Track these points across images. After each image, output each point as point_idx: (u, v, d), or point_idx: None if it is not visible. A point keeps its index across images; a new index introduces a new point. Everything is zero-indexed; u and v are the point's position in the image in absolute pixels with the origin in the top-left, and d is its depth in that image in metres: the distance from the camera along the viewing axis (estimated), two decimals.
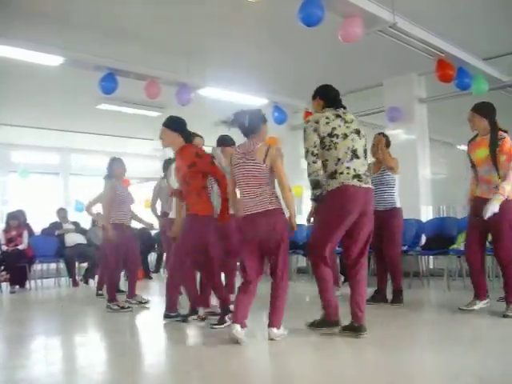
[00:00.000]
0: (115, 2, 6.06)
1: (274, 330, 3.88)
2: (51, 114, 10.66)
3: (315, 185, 3.98)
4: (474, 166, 4.90)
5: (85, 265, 9.42)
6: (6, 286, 8.92)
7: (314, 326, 4.21)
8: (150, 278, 10.22)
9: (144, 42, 7.18)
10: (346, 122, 4.09)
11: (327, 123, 4.02)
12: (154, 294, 7.86)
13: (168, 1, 6.08)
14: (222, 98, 8.68)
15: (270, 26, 6.83)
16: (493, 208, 4.43)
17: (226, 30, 6.89)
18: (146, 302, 6.33)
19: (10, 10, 5.99)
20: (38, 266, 9.43)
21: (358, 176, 3.96)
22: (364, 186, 3.99)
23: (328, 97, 4.36)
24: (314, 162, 3.97)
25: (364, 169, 4.06)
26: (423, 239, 7.53)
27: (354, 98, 9.94)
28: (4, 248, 8.95)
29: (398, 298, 5.62)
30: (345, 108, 4.28)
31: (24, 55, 6.48)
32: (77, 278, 9.32)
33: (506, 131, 4.74)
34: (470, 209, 5.01)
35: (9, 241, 8.99)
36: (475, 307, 4.81)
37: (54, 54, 6.60)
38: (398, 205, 5.73)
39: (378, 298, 5.75)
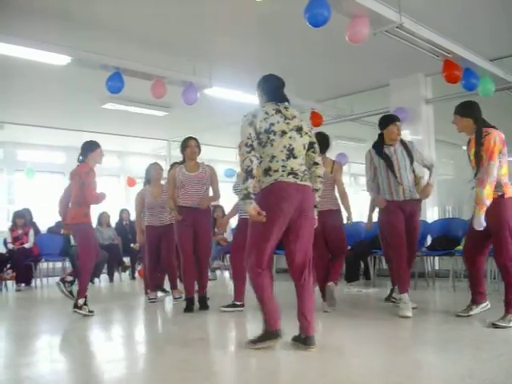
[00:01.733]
0: (122, 1, 6.07)
1: None
2: (57, 113, 10.70)
3: (248, 175, 3.63)
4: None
5: None
6: (12, 283, 8.97)
7: (256, 341, 3.82)
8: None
9: (151, 41, 7.19)
10: (286, 118, 3.86)
11: (265, 119, 3.78)
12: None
13: (175, 0, 6.09)
14: (229, 97, 8.67)
15: (276, 27, 6.82)
16: (479, 221, 4.24)
17: (233, 30, 6.89)
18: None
19: (16, 8, 6.01)
20: (43, 265, 9.47)
21: (293, 173, 3.72)
22: (300, 182, 3.74)
23: (268, 89, 4.13)
24: (249, 152, 3.67)
25: (302, 168, 3.82)
26: (429, 240, 7.52)
27: (360, 99, 9.99)
28: (10, 246, 9.00)
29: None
30: (288, 102, 4.08)
31: (31, 54, 6.49)
32: None
33: (493, 127, 4.45)
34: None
35: (15, 239, 9.04)
36: (471, 312, 4.68)
37: (62, 53, 6.60)
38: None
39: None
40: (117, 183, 14.92)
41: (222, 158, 14.86)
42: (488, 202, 4.21)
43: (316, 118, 9.69)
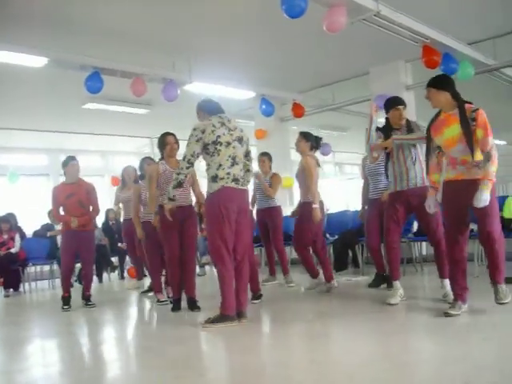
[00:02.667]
0: (97, 0, 6.01)
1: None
2: (38, 116, 10.61)
3: (178, 185, 4.57)
4: (430, 150, 4.31)
5: (78, 265, 9.39)
6: (0, 289, 8.90)
7: (209, 322, 4.44)
8: (145, 275, 10.18)
9: (129, 39, 7.13)
10: (229, 129, 4.50)
11: (213, 131, 4.41)
12: None
13: None
14: (209, 92, 8.64)
15: (254, 19, 6.81)
16: (485, 198, 3.86)
17: (211, 25, 6.87)
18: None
19: None
20: (31, 269, 9.41)
21: (236, 180, 4.47)
22: (240, 187, 4.53)
23: (210, 106, 4.71)
24: (187, 168, 4.48)
25: (241, 174, 4.56)
26: (415, 226, 7.55)
27: (341, 88, 10.00)
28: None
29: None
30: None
31: (6, 57, 6.42)
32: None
33: (471, 103, 4.11)
34: (445, 196, 4.25)
35: (1, 245, 8.95)
36: (459, 312, 4.13)
37: (38, 54, 6.55)
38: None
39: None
40: (101, 183, 14.84)
41: None
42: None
43: (298, 109, 9.71)
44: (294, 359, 3.48)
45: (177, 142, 5.78)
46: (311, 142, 5.97)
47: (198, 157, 4.49)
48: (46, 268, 9.91)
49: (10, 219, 9.35)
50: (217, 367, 3.48)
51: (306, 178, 5.81)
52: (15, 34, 6.38)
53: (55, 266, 9.53)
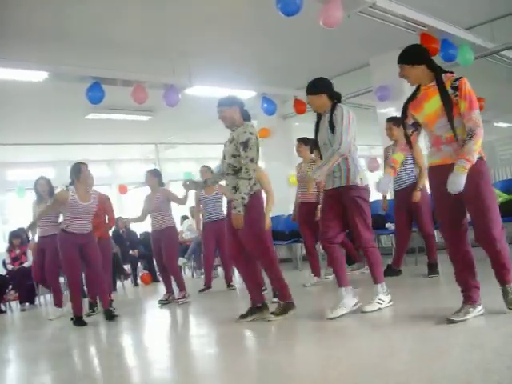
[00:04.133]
0: (92, 11, 6.03)
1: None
2: (42, 129, 10.68)
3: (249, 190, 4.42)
4: (406, 128, 3.83)
5: None
6: (16, 304, 8.95)
7: (280, 314, 4.55)
8: (158, 281, 10.24)
9: (127, 47, 7.15)
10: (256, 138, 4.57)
11: (257, 138, 4.53)
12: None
13: (146, 3, 6.06)
14: (210, 95, 8.66)
15: (250, 18, 6.82)
16: (460, 180, 3.30)
17: (208, 27, 6.87)
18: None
19: None
20: None
21: None
22: None
23: (244, 110, 4.69)
24: (254, 171, 4.44)
25: None
26: None
27: (342, 81, 9.97)
28: (10, 267, 8.97)
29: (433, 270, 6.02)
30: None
31: (7, 74, 6.48)
32: (84, 288, 9.31)
33: (452, 72, 3.61)
34: (431, 184, 3.80)
35: (14, 259, 9.02)
36: (468, 316, 3.54)
37: (38, 69, 6.60)
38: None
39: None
40: (109, 192, 14.91)
41: (212, 155, 14.85)
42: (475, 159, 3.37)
43: (300, 106, 9.70)
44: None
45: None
46: (310, 145, 6.19)
47: None
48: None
49: (21, 234, 9.40)
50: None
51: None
52: (13, 50, 6.43)
53: None
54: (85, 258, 5.95)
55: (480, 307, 3.62)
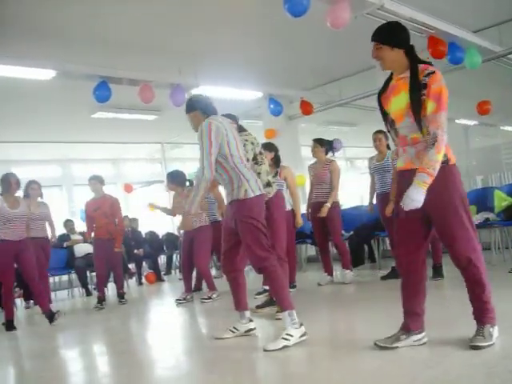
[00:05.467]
0: (100, 10, 6.04)
1: None
2: (48, 128, 10.71)
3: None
4: (387, 125, 3.31)
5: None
6: (20, 301, 8.97)
7: (260, 307, 5.10)
8: (163, 280, 10.27)
9: (133, 46, 7.17)
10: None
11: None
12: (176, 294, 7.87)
13: (153, 3, 6.07)
14: (216, 95, 8.68)
15: (258, 19, 6.82)
16: (418, 197, 2.87)
17: (214, 27, 6.88)
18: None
19: None
20: (50, 279, 9.46)
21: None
22: None
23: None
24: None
25: None
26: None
27: (348, 83, 9.98)
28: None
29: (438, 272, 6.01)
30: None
31: (15, 72, 6.50)
32: (89, 287, 9.36)
33: (430, 63, 3.10)
34: (397, 190, 3.28)
35: None
36: (399, 344, 3.16)
37: (46, 67, 6.62)
38: None
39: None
40: (114, 191, 14.94)
41: None
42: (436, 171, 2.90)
43: (306, 107, 9.70)
44: None
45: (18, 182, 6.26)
46: (325, 146, 6.63)
47: None
48: (64, 278, 9.99)
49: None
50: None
51: (334, 179, 6.50)
52: (21, 47, 6.46)
53: (73, 276, 9.60)
54: (19, 265, 6.32)
55: (421, 335, 3.20)
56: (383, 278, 6.35)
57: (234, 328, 4.10)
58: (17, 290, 9.03)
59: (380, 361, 3.01)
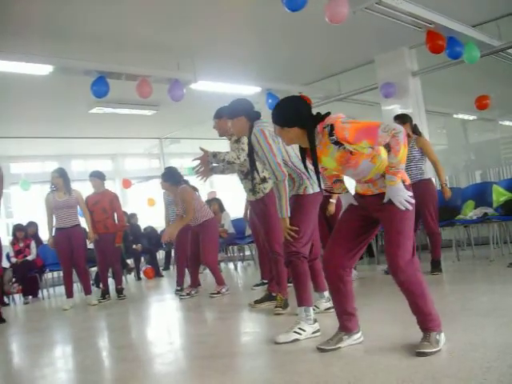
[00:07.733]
0: (98, 4, 6.01)
1: None
2: (46, 123, 10.68)
3: None
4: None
5: (95, 269, 9.45)
6: (19, 297, 8.98)
7: (258, 302, 5.19)
8: (161, 275, 10.28)
9: (131, 41, 7.14)
10: None
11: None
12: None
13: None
14: (215, 90, 8.67)
15: (256, 14, 6.79)
16: (398, 191, 2.94)
17: (213, 23, 6.85)
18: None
19: None
20: (49, 275, 9.48)
21: None
22: None
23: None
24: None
25: None
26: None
27: (347, 78, 9.96)
28: (13, 260, 9.00)
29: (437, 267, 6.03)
30: None
31: (12, 67, 6.48)
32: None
33: (323, 117, 3.10)
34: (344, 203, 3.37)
35: (17, 252, 9.04)
36: (341, 344, 3.25)
37: (43, 63, 6.59)
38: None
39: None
40: (113, 186, 14.92)
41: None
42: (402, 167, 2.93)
43: None
44: None
45: None
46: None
47: None
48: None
49: (24, 227, 9.44)
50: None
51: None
52: (18, 43, 6.42)
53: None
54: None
55: (357, 335, 3.32)
56: (387, 272, 6.25)
57: (315, 306, 4.27)
58: (15, 285, 9.06)
59: (378, 356, 3.02)
